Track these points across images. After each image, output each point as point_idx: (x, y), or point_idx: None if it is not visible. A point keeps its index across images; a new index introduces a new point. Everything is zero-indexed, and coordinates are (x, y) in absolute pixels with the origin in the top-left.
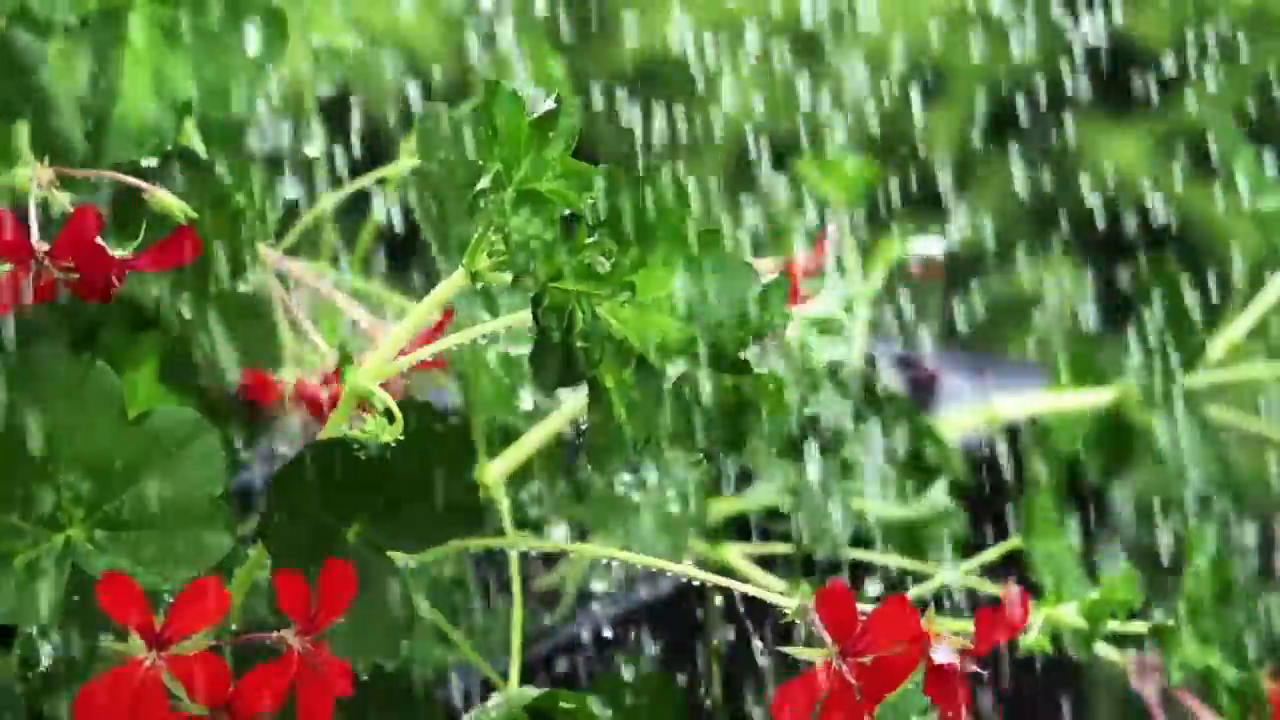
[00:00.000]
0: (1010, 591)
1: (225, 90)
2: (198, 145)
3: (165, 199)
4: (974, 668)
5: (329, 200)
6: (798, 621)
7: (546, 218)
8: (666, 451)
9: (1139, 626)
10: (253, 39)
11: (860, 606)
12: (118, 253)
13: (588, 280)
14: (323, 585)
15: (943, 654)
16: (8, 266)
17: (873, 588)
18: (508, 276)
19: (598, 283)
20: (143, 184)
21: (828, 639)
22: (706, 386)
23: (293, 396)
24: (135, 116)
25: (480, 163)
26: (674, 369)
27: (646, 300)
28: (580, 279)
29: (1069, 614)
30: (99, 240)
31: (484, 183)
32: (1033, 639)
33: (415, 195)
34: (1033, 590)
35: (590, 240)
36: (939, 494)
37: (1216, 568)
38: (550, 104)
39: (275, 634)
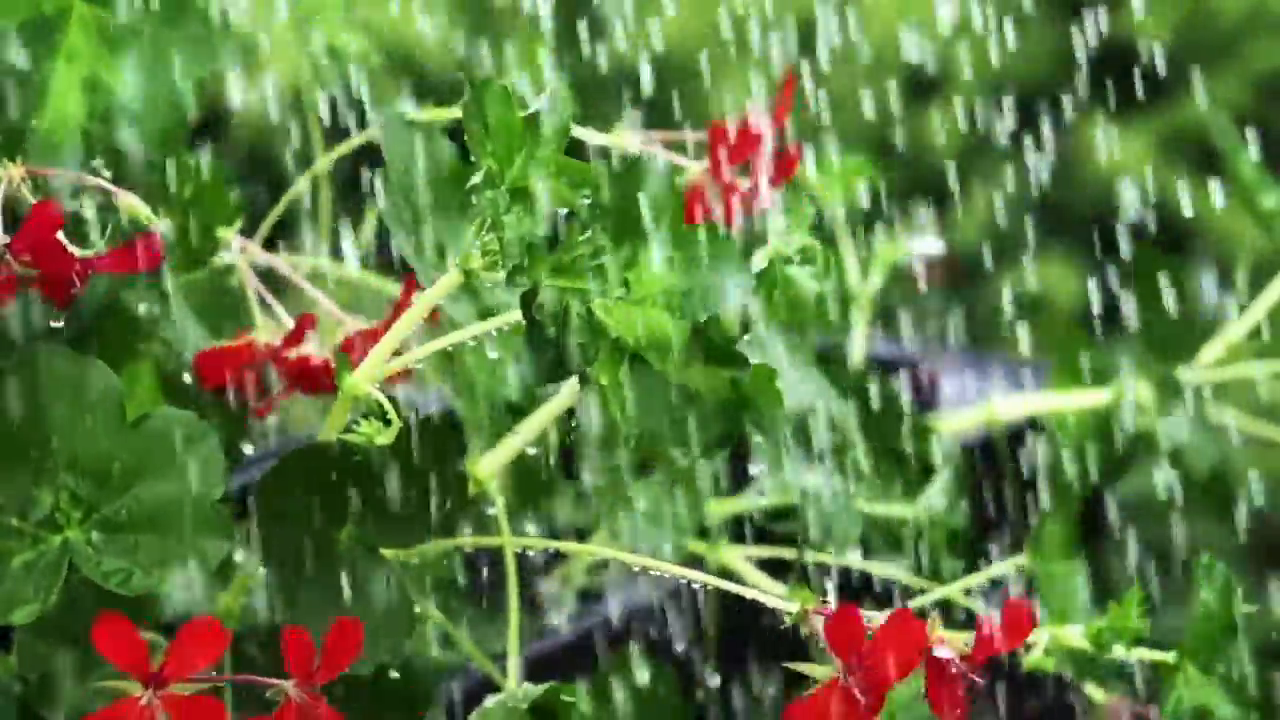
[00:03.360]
0: (1015, 601)
1: (161, 97)
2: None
3: (131, 203)
4: (975, 676)
5: (307, 185)
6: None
7: (540, 216)
8: (662, 449)
9: (1142, 654)
10: (191, 46)
11: (864, 615)
12: (78, 252)
13: (582, 277)
14: (329, 642)
15: (943, 650)
16: None
17: (873, 591)
18: (501, 274)
19: (592, 280)
20: (111, 187)
21: (836, 660)
22: (701, 381)
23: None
24: (60, 124)
25: (444, 164)
26: (669, 364)
27: (640, 296)
28: (574, 276)
29: (1074, 636)
30: (58, 237)
31: (476, 179)
32: (1036, 659)
33: (382, 200)
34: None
35: (584, 238)
36: (938, 495)
37: (1223, 602)
38: (544, 102)
39: (275, 684)
